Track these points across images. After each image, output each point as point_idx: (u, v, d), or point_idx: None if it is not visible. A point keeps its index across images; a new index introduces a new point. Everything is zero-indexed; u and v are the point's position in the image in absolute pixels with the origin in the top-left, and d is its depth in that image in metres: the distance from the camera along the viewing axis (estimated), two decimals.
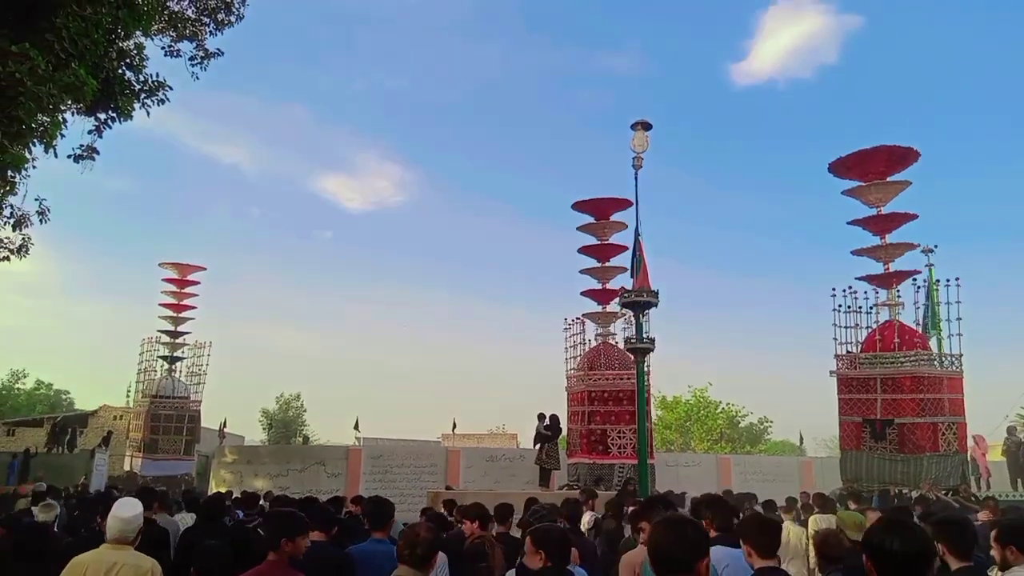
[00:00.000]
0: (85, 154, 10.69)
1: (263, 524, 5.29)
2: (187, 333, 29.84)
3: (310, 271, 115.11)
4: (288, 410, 54.26)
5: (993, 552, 4.48)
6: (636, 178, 14.76)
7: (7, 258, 11.26)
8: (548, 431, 17.88)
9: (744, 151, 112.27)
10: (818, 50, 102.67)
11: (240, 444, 33.65)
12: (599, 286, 22.34)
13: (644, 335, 14.37)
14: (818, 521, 9.52)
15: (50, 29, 7.78)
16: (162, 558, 6.19)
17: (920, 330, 18.64)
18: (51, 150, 8.87)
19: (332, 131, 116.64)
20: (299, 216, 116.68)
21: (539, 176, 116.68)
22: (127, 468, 28.07)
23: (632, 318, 16.71)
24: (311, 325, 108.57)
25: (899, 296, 18.92)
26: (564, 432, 20.76)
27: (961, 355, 18.20)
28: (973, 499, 14.49)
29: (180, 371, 29.76)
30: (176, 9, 11.67)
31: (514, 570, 4.46)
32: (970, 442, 19.82)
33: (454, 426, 33.78)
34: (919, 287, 18.65)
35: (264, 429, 52.47)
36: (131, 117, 10.46)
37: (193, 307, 30.04)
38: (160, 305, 29.74)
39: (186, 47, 11.98)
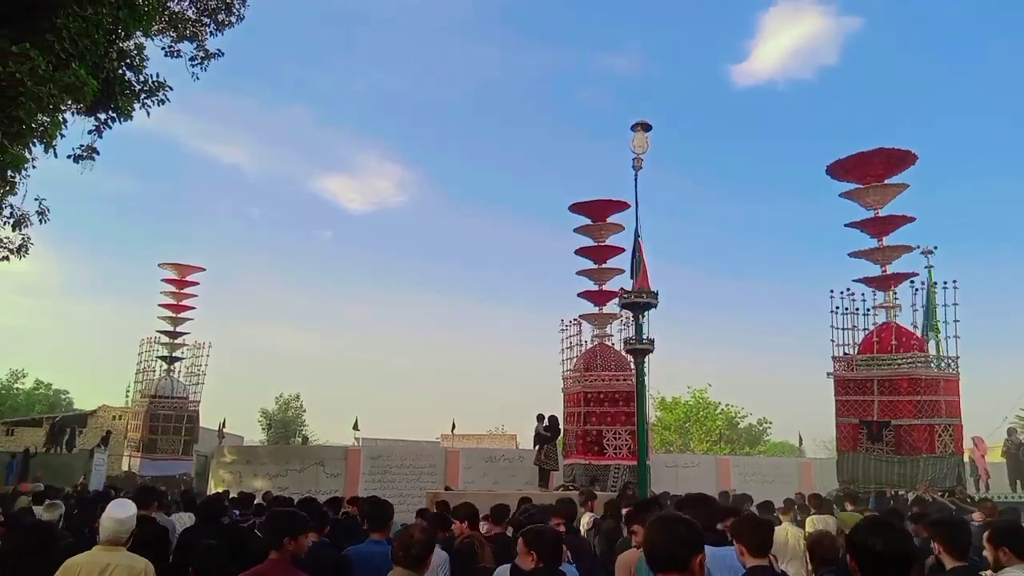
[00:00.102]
0: (85, 154, 10.72)
1: (265, 523, 5.31)
2: (186, 333, 29.84)
3: (310, 271, 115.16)
4: (287, 410, 54.23)
5: (986, 553, 4.51)
6: (636, 179, 14.79)
7: (7, 258, 11.28)
8: (547, 432, 17.91)
9: (744, 152, 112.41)
10: (818, 51, 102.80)
11: (239, 444, 33.66)
12: (596, 288, 22.42)
13: (643, 336, 14.38)
14: (815, 522, 9.55)
15: (50, 29, 7.81)
16: (162, 555, 6.24)
17: (920, 331, 18.69)
18: (51, 150, 8.90)
19: (332, 131, 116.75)
20: (299, 216, 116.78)
21: (539, 177, 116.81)
22: (125, 468, 28.05)
23: (629, 320, 16.75)
24: (311, 325, 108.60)
25: (896, 298, 18.96)
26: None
27: (958, 357, 18.27)
28: (969, 501, 14.53)
29: (179, 371, 29.75)
30: (176, 9, 11.70)
31: (508, 569, 4.48)
32: (969, 444, 19.89)
33: (453, 427, 33.76)
34: (916, 290, 18.70)
35: (263, 429, 52.46)
36: (131, 117, 10.49)
37: (192, 307, 30.02)
38: (159, 305, 29.76)
39: (186, 47, 12.04)
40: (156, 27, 11.01)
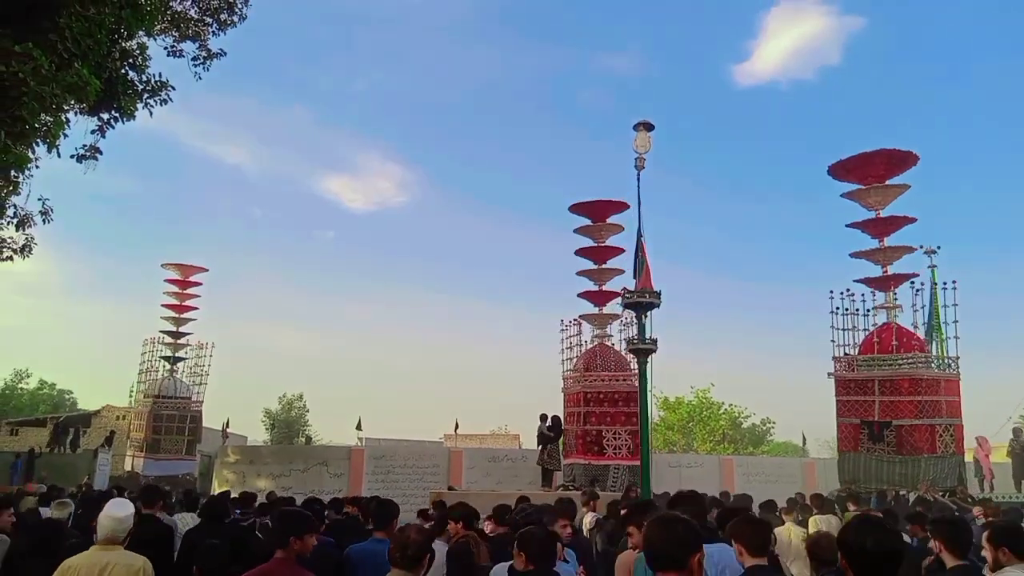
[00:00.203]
0: (88, 154, 10.75)
1: (271, 522, 5.34)
2: (189, 334, 29.91)
3: (312, 271, 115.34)
4: (291, 410, 54.37)
5: (984, 552, 4.52)
6: (638, 179, 14.75)
7: (10, 258, 11.33)
8: (551, 432, 17.93)
9: (745, 152, 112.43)
10: (820, 51, 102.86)
11: (243, 444, 33.69)
12: (596, 288, 22.45)
13: (646, 336, 14.36)
14: (818, 522, 9.54)
15: (53, 29, 7.82)
16: (166, 554, 6.27)
17: (924, 331, 18.70)
18: (54, 150, 8.93)
19: (333, 131, 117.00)
20: (301, 216, 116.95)
21: (539, 177, 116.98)
22: (128, 468, 28.11)
23: (630, 320, 16.72)
24: (313, 325, 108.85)
25: (896, 299, 18.96)
26: None
27: (958, 357, 18.31)
28: (970, 500, 14.53)
29: (182, 371, 29.84)
30: (179, 9, 11.70)
31: (506, 568, 4.50)
32: (970, 444, 19.87)
33: (456, 426, 33.79)
34: (917, 290, 18.71)
35: (267, 429, 52.61)
36: (134, 117, 10.50)
37: (195, 307, 30.10)
38: (162, 306, 29.84)
39: (189, 47, 12.03)
40: (158, 27, 11.01)
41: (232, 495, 13.01)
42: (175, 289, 29.71)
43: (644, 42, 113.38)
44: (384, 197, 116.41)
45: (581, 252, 22.61)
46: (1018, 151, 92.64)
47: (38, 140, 8.75)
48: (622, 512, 7.33)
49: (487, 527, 7.43)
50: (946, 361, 18.30)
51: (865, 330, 19.20)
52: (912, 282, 18.76)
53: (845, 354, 19.19)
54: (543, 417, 18.02)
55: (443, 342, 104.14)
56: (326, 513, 8.48)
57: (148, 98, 10.60)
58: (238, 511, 9.96)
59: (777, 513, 10.19)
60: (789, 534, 8.62)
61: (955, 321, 18.11)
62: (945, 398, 17.78)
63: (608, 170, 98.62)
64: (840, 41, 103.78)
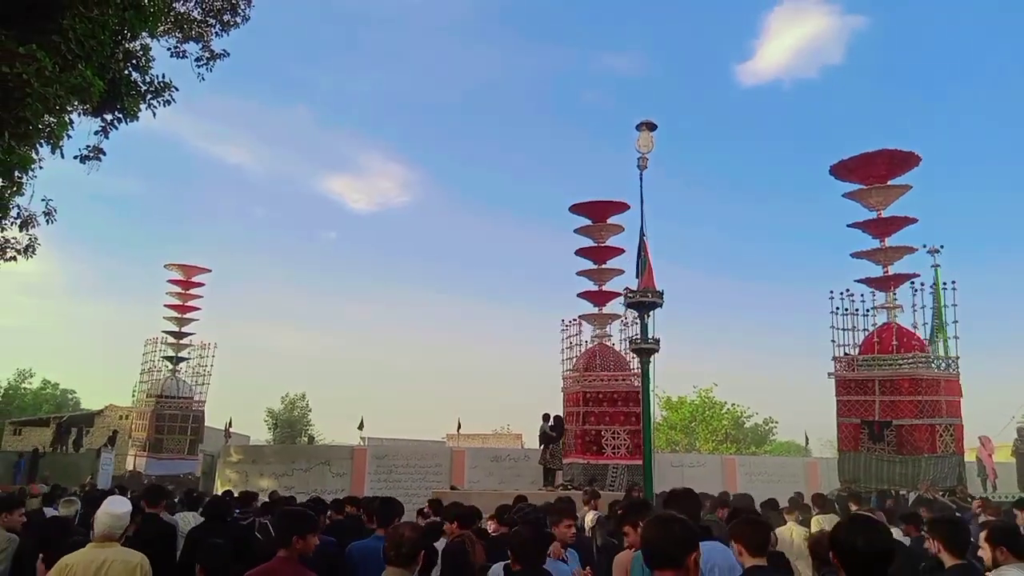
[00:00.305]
0: (91, 155, 10.77)
1: (274, 521, 5.36)
2: (191, 334, 30.00)
3: (315, 271, 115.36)
4: (293, 410, 54.46)
5: (982, 552, 4.54)
6: (641, 179, 14.75)
7: (14, 258, 11.36)
8: (553, 431, 17.94)
9: (746, 152, 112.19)
10: (823, 50, 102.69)
11: (246, 444, 33.75)
12: (596, 288, 22.50)
13: (649, 336, 14.37)
14: (820, 522, 9.55)
15: (57, 30, 7.83)
16: (169, 552, 6.31)
17: (928, 330, 18.72)
18: (58, 151, 8.94)
19: (335, 132, 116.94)
20: (303, 217, 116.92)
21: (539, 177, 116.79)
22: (131, 467, 28.19)
23: (630, 320, 16.72)
24: (315, 325, 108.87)
25: (897, 299, 18.98)
26: None
27: (958, 357, 18.35)
28: (970, 500, 14.54)
29: (184, 371, 29.92)
30: (182, 10, 11.72)
31: (502, 567, 4.53)
32: (971, 443, 19.87)
33: (459, 426, 33.80)
34: (916, 290, 18.70)
35: (269, 429, 52.71)
36: (137, 118, 10.51)
37: (198, 308, 30.19)
38: (165, 306, 29.91)
39: (192, 48, 12.03)
40: (162, 28, 11.03)
41: (233, 494, 13.07)
42: (178, 289, 29.79)
43: (646, 42, 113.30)
44: (387, 197, 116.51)
45: (581, 252, 22.67)
46: (1018, 151, 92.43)
47: (42, 141, 8.77)
48: (618, 512, 7.36)
49: (490, 527, 7.46)
50: (946, 361, 18.34)
51: (865, 330, 19.24)
52: (912, 282, 18.80)
53: (845, 354, 19.22)
54: (545, 417, 18.03)
55: (444, 342, 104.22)
56: (328, 513, 8.52)
57: (151, 99, 10.60)
58: (237, 510, 10.01)
59: (778, 512, 10.20)
60: (791, 534, 8.65)
61: (955, 321, 18.22)
62: (945, 398, 17.81)
63: (609, 170, 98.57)
64: (843, 40, 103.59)
